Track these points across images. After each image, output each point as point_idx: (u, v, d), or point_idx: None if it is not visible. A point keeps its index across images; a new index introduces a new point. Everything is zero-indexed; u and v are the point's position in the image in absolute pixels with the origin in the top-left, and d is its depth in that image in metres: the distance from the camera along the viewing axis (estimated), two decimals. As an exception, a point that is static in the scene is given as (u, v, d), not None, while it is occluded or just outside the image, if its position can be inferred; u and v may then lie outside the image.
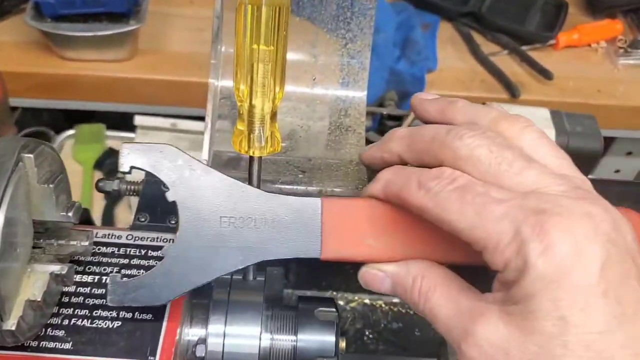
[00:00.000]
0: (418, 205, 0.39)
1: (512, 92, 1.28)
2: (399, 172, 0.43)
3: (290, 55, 0.68)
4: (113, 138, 1.22)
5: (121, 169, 0.44)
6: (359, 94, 0.67)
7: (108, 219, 1.08)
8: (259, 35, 0.45)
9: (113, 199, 1.03)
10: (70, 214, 0.43)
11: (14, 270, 0.40)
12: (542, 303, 0.33)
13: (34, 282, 0.42)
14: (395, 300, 0.85)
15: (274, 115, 0.49)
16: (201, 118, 1.22)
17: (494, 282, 0.38)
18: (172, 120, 1.10)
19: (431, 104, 0.46)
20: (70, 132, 1.23)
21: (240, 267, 0.46)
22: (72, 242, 0.46)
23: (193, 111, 1.24)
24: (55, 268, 0.43)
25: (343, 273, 0.80)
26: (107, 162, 1.15)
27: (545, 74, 1.30)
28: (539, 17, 1.43)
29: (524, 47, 1.37)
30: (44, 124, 1.37)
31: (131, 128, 1.17)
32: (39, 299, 0.41)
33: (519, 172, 0.37)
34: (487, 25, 1.40)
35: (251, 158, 0.51)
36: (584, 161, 0.95)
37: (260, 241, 0.45)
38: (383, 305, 0.84)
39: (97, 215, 1.10)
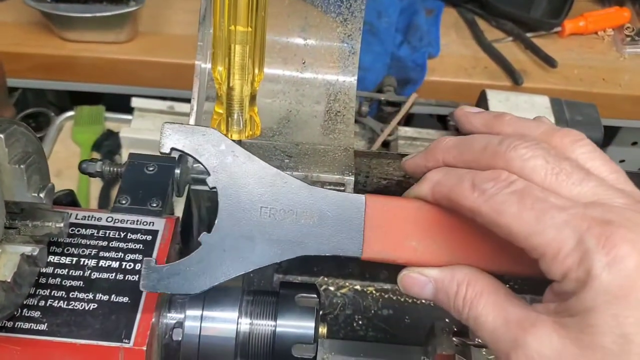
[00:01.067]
0: (471, 207, 0.38)
1: (515, 79, 1.26)
2: (449, 173, 0.41)
3: (280, 38, 0.67)
4: (111, 120, 1.21)
5: (161, 150, 0.42)
6: (349, 79, 0.67)
7: (105, 201, 1.08)
8: (237, 16, 0.44)
9: (110, 181, 1.03)
10: (42, 195, 0.43)
11: (-17, 250, 0.40)
12: (604, 318, 0.31)
13: (5, 263, 0.42)
14: (386, 286, 0.85)
15: (253, 98, 0.49)
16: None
17: (546, 291, 0.36)
18: (169, 103, 1.09)
19: (476, 117, 0.45)
20: (70, 113, 1.22)
21: (277, 261, 0.44)
22: (47, 224, 0.46)
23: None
24: (27, 249, 0.43)
25: (334, 259, 0.80)
26: (105, 143, 1.15)
27: (549, 61, 1.28)
28: (545, 3, 1.41)
29: (528, 34, 1.35)
30: (49, 105, 1.37)
31: (130, 110, 1.17)
32: (8, 280, 0.41)
33: (578, 183, 0.36)
34: (492, 11, 1.38)
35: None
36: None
37: (299, 235, 0.44)
38: (374, 292, 0.84)
39: (94, 196, 1.10)
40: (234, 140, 0.44)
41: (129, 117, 1.17)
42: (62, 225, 0.46)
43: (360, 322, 0.82)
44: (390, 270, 0.84)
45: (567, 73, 1.31)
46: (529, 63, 1.32)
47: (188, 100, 1.25)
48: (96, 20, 1.18)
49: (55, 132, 1.20)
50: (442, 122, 1.21)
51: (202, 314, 0.51)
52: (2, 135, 0.41)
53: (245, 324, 0.53)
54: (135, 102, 1.11)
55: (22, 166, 0.42)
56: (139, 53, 1.25)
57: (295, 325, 0.53)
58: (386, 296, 0.84)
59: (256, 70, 0.48)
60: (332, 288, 0.84)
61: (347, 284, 0.84)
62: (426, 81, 1.26)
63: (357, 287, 0.84)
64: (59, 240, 0.49)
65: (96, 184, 1.11)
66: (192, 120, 0.62)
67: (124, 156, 1.11)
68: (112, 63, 1.24)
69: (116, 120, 1.21)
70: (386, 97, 1.04)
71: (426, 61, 1.27)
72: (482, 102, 0.99)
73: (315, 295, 0.55)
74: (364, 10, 0.66)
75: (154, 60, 1.25)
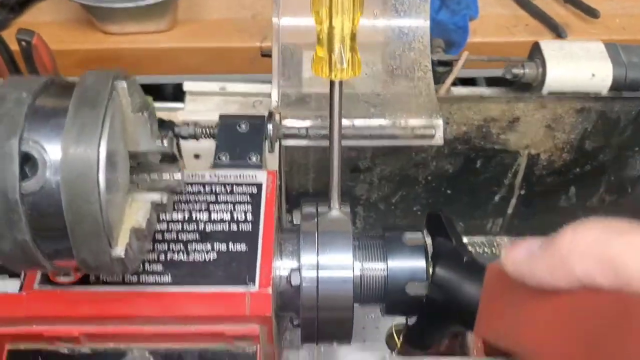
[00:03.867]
0: None
1: (558, 33, 1.24)
2: None
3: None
4: (160, 110, 1.22)
5: None
6: (421, 24, 0.66)
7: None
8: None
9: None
10: (165, 142, 0.43)
11: (117, 199, 0.40)
12: None
13: (136, 211, 0.42)
14: (464, 239, 0.84)
15: (353, 37, 0.49)
16: (247, 81, 1.20)
17: None
18: (220, 84, 1.10)
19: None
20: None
21: None
22: (164, 176, 0.46)
23: (237, 77, 1.24)
24: (156, 197, 0.43)
25: (410, 215, 0.80)
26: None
27: (591, 12, 1.26)
28: (579, -45, 1.39)
29: (565, -12, 1.33)
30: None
31: (177, 98, 1.17)
32: (143, 227, 0.41)
33: None
34: (526, -32, 1.37)
35: (331, 83, 0.50)
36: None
37: None
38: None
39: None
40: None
41: (178, 105, 1.17)
42: (179, 176, 0.47)
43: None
44: (465, 223, 0.84)
45: (609, 23, 1.29)
46: (570, 16, 1.30)
47: (236, 82, 1.25)
48: (137, 10, 1.19)
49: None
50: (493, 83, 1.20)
51: (317, 261, 0.51)
52: (124, 83, 0.41)
53: (357, 269, 0.53)
54: (187, 85, 1.11)
55: (144, 113, 0.42)
56: (181, 40, 1.25)
57: (407, 264, 0.53)
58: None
59: (356, 7, 0.48)
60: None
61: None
62: (469, 43, 1.25)
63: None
64: (177, 192, 0.49)
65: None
66: (274, 80, 0.62)
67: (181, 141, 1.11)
68: (156, 52, 1.25)
69: (165, 110, 1.21)
70: (437, 57, 1.03)
71: (468, 23, 1.26)
72: (536, 54, 0.98)
73: (420, 234, 0.55)
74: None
75: (197, 47, 1.25)
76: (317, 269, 0.51)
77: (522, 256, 0.32)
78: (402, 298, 0.54)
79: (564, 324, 0.30)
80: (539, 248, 0.32)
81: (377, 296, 0.54)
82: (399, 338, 0.71)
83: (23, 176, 0.38)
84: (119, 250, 0.40)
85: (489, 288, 0.39)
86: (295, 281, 0.50)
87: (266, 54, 0.90)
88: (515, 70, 0.83)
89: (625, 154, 0.73)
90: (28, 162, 0.38)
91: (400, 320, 0.73)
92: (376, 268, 0.53)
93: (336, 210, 0.54)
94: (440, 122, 0.60)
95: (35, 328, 0.48)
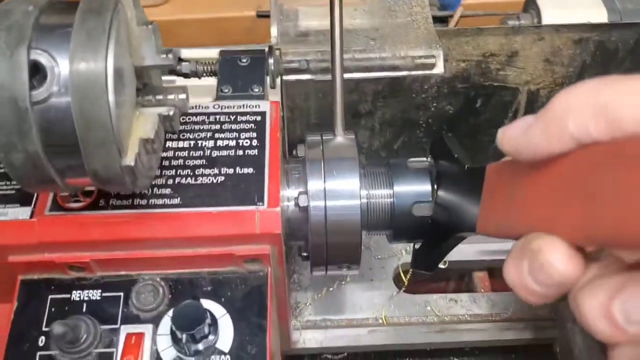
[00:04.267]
0: None
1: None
2: None
3: None
4: (158, 80, 1.22)
5: None
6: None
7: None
8: None
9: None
10: (170, 56, 0.43)
11: (125, 110, 0.41)
12: None
13: (144, 123, 0.43)
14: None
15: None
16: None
17: None
18: (218, 50, 1.10)
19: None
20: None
21: None
22: (169, 97, 0.47)
23: (237, 48, 1.24)
24: (162, 110, 0.43)
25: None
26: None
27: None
28: None
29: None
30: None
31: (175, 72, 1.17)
32: (151, 137, 0.42)
33: None
34: None
35: (331, 2, 0.50)
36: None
37: None
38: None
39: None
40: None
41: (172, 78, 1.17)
42: (184, 96, 0.47)
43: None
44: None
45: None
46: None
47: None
48: (131, -18, 1.19)
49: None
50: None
51: (324, 187, 0.51)
52: (129, -4, 0.41)
53: (365, 195, 0.53)
54: (185, 52, 1.11)
55: (149, 27, 0.42)
56: (175, 13, 1.25)
57: (413, 188, 0.53)
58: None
59: None
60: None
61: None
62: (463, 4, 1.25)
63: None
64: (183, 111, 0.49)
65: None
66: (274, 13, 0.62)
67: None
68: (151, 25, 1.25)
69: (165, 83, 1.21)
70: (433, 13, 1.04)
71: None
72: (530, 5, 0.98)
73: (425, 159, 0.55)
74: None
75: (191, 18, 1.25)
76: (325, 194, 0.51)
77: (517, 131, 0.33)
78: (408, 222, 0.54)
79: (561, 190, 0.31)
80: (533, 118, 0.32)
81: (384, 222, 0.54)
82: (405, 277, 0.72)
83: (32, 85, 0.38)
84: (129, 159, 0.40)
85: (489, 186, 0.40)
86: (303, 202, 0.50)
87: (262, 14, 0.91)
88: (511, 22, 0.84)
89: (623, 88, 0.73)
90: (37, 71, 0.38)
91: (406, 260, 0.73)
92: (383, 194, 0.54)
93: (341, 137, 0.54)
94: (440, 52, 0.60)
95: (47, 256, 0.48)
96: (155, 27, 0.43)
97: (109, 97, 0.38)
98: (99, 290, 0.49)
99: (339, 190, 0.52)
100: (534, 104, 0.74)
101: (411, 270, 0.71)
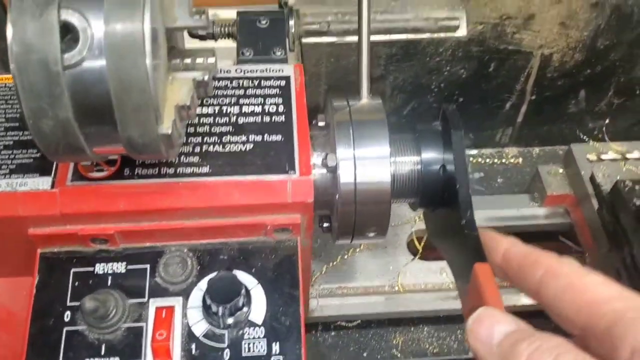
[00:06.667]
0: None
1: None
2: None
3: None
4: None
5: None
6: None
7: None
8: None
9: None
10: (203, 17, 0.41)
11: (160, 71, 0.38)
12: None
13: (179, 88, 0.40)
14: (473, 152, 0.84)
15: None
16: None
17: None
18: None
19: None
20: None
21: None
22: (198, 60, 0.44)
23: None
24: (197, 74, 0.41)
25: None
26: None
27: None
28: None
29: None
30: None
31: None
32: (187, 103, 0.40)
33: None
34: None
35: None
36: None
37: None
38: (462, 158, 0.83)
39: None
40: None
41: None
42: (213, 60, 0.45)
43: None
44: (475, 135, 0.83)
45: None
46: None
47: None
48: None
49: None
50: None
51: (354, 153, 0.50)
52: (160, -47, 0.39)
53: (393, 160, 0.52)
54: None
55: (181, -15, 0.40)
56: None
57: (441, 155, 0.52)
58: (474, 161, 0.84)
59: None
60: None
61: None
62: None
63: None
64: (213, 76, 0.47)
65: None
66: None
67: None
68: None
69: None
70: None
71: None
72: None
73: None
74: None
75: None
76: (354, 160, 0.50)
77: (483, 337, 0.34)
78: (435, 188, 0.53)
79: None
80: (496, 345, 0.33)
81: (411, 190, 0.53)
82: (420, 244, 0.71)
83: (65, 46, 0.36)
84: (166, 127, 0.38)
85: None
86: (331, 162, 0.49)
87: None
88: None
89: (636, 52, 0.73)
90: (69, 32, 0.36)
91: (420, 227, 0.73)
92: (411, 161, 0.52)
93: (367, 100, 0.53)
94: (463, 13, 0.59)
95: (69, 228, 0.46)
96: (187, -14, 0.41)
97: (147, 60, 0.35)
98: (124, 263, 0.47)
99: (369, 157, 0.50)
100: (546, 69, 0.74)
101: (425, 237, 0.70)
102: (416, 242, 0.71)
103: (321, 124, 0.54)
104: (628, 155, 0.66)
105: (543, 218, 0.73)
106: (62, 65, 0.35)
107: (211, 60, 0.45)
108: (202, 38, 0.57)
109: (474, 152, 0.84)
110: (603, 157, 0.67)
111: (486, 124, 0.81)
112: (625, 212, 0.57)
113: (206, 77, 0.41)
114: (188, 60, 0.44)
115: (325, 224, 0.56)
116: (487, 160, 0.83)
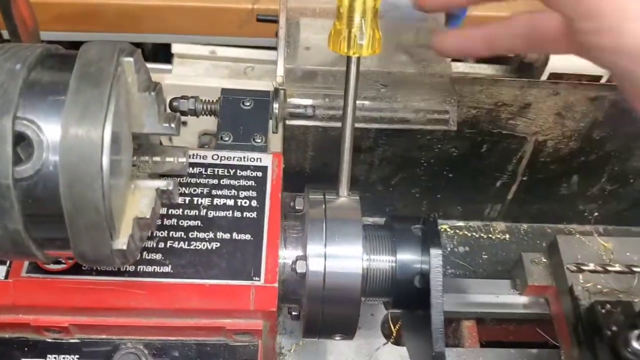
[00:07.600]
0: None
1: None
2: None
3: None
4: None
5: None
6: None
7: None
8: None
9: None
10: (173, 125, 0.39)
11: (120, 186, 0.37)
12: None
13: (140, 199, 0.39)
14: (460, 223, 0.82)
15: (376, 12, 0.45)
16: (238, 46, 1.15)
17: None
18: (210, 48, 1.05)
19: None
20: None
21: None
22: (168, 159, 0.43)
23: (224, 40, 1.18)
24: (161, 184, 0.39)
25: (408, 197, 0.77)
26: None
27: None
28: None
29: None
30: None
31: (164, 59, 1.12)
32: (147, 216, 0.38)
33: None
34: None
35: (349, 60, 0.47)
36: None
37: None
38: (448, 229, 0.82)
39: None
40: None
41: (164, 66, 1.12)
42: (184, 160, 0.43)
43: (437, 260, 0.79)
44: (463, 207, 0.82)
45: None
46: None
47: (227, 46, 1.19)
48: (122, -35, 1.12)
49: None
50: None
51: (325, 251, 0.48)
52: (131, 59, 0.37)
53: (365, 260, 0.50)
54: (176, 48, 1.06)
55: (152, 93, 0.38)
56: (168, -1, 1.20)
57: (418, 257, 0.51)
58: (460, 233, 0.82)
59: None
60: (404, 228, 0.81)
61: (420, 223, 0.82)
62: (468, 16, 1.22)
63: (431, 225, 0.81)
64: (182, 175, 0.46)
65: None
66: (281, 52, 0.58)
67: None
68: (139, 9, 1.18)
69: (152, 71, 1.16)
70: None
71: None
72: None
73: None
74: None
75: (184, 5, 1.19)
76: (325, 258, 0.48)
77: None
78: (409, 291, 0.51)
79: None
80: None
81: (384, 290, 0.51)
82: (394, 326, 0.69)
83: (17, 159, 0.34)
84: (121, 243, 0.36)
85: None
86: (301, 269, 0.47)
87: (263, 19, 0.86)
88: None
89: (631, 145, 0.71)
90: (22, 143, 0.34)
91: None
92: (385, 260, 0.51)
93: (345, 198, 0.51)
94: (454, 107, 0.57)
95: (22, 317, 0.44)
96: (159, 92, 0.39)
97: (104, 180, 0.34)
98: (77, 356, 0.45)
99: (341, 256, 0.49)
100: (540, 154, 0.72)
101: (400, 321, 0.68)
102: (391, 325, 0.69)
103: (298, 207, 0.52)
104: (609, 268, 0.63)
105: (522, 307, 0.71)
106: (13, 179, 0.34)
107: (182, 160, 0.43)
108: (183, 113, 0.55)
109: (460, 223, 0.82)
110: (584, 267, 0.64)
111: (475, 198, 0.79)
112: (600, 338, 0.54)
113: (170, 187, 0.40)
114: (158, 159, 0.43)
115: (294, 313, 0.54)
116: (474, 234, 0.81)
